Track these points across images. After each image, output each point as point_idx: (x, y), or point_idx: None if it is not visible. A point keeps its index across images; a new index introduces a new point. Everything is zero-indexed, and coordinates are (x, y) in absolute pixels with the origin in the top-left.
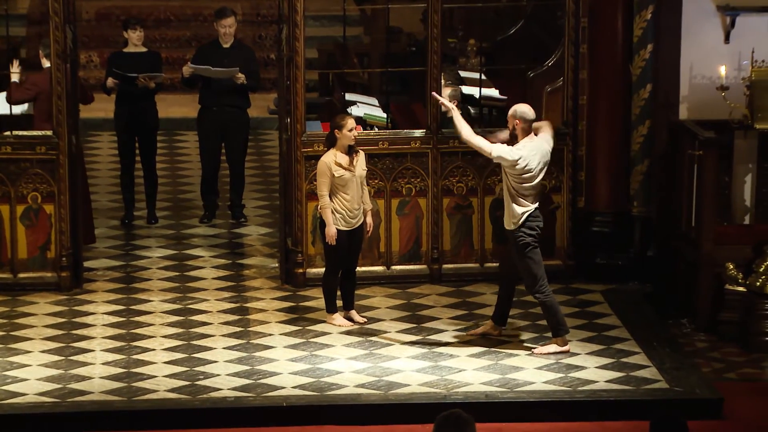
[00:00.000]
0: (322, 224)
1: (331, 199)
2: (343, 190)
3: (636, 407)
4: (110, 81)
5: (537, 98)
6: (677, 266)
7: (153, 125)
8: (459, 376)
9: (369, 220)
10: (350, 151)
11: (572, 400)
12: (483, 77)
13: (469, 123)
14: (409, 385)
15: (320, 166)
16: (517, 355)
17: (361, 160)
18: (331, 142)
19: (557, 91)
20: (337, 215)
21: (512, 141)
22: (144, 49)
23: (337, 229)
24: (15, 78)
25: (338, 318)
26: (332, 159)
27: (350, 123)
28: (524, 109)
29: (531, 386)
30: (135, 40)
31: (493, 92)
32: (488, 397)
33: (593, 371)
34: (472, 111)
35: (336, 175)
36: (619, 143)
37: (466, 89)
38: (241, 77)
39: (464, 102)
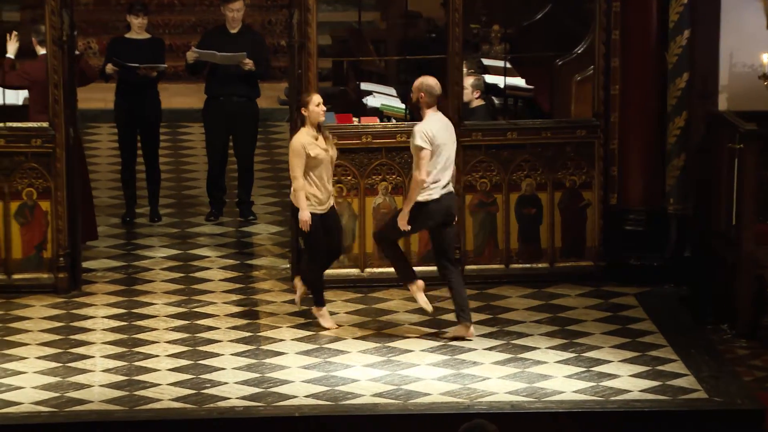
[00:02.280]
0: (295, 211)
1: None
2: (316, 170)
3: (672, 419)
4: (109, 67)
5: (566, 88)
6: (716, 267)
7: (155, 117)
8: (483, 385)
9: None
10: (320, 129)
11: (604, 411)
12: (508, 65)
13: (493, 113)
14: (429, 394)
15: (294, 146)
16: (545, 362)
17: (330, 139)
18: (300, 122)
19: (587, 80)
20: (312, 198)
21: (416, 114)
22: (147, 36)
23: (312, 212)
24: (11, 53)
25: (326, 316)
26: (306, 138)
27: (316, 98)
28: (431, 83)
29: (560, 396)
30: (137, 26)
31: (519, 81)
32: (514, 407)
33: (626, 380)
34: (496, 101)
35: (312, 154)
36: (653, 136)
37: (490, 78)
38: (248, 63)
39: (488, 92)
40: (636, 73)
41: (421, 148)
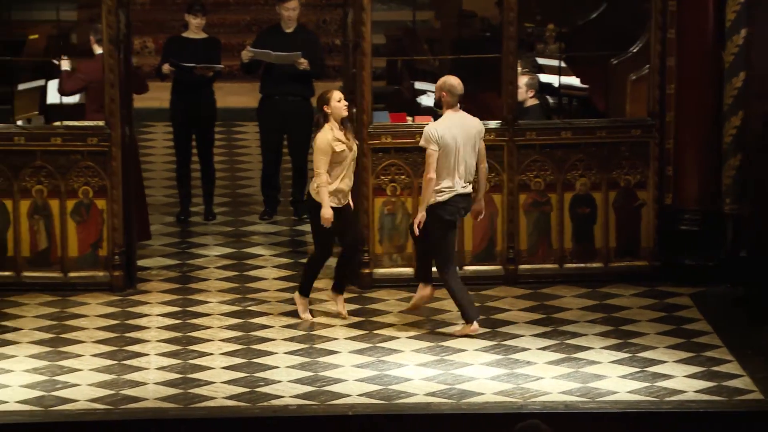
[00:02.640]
0: (313, 204)
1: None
2: (339, 166)
3: (727, 420)
4: (166, 67)
5: (621, 87)
6: None
7: (210, 116)
8: (536, 385)
9: (350, 201)
10: (344, 125)
11: (658, 412)
12: (562, 65)
13: (548, 113)
14: (483, 393)
15: (320, 143)
16: (599, 362)
17: (353, 135)
18: (323, 119)
19: (642, 79)
20: (332, 194)
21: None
22: (203, 35)
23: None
24: (66, 66)
25: (305, 306)
26: (331, 135)
27: (336, 94)
28: (453, 82)
29: (614, 396)
30: (195, 26)
31: (574, 81)
32: (568, 407)
33: (681, 380)
34: (550, 100)
35: (337, 150)
36: (709, 136)
37: (544, 77)
38: (303, 62)
39: (542, 91)
40: (692, 73)
41: (425, 148)
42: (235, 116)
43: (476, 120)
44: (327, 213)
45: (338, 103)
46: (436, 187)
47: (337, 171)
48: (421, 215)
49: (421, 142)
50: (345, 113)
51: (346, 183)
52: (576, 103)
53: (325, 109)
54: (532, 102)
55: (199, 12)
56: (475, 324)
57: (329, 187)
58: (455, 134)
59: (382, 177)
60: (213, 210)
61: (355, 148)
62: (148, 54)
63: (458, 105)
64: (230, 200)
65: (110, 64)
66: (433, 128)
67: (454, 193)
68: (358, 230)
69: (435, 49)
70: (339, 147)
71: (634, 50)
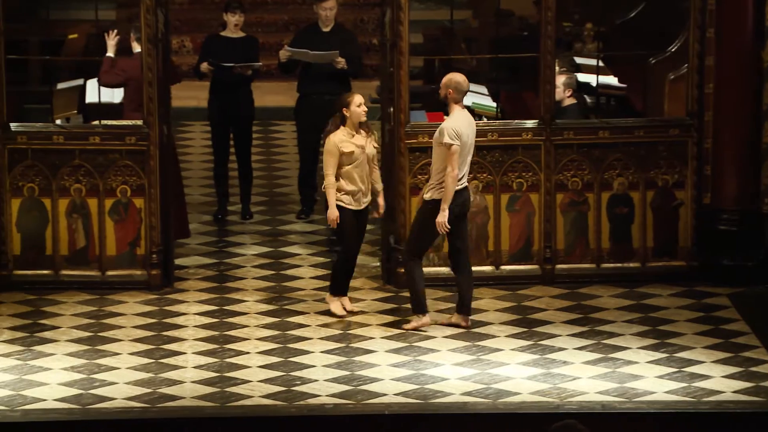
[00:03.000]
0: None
1: (339, 178)
2: (351, 168)
3: (765, 420)
4: (204, 66)
5: (659, 86)
6: None
7: (248, 115)
8: (573, 385)
9: (381, 201)
10: (362, 128)
11: (696, 412)
12: (600, 64)
13: (585, 112)
14: (519, 393)
15: (327, 145)
16: (636, 362)
17: (372, 138)
18: (341, 121)
19: (681, 79)
20: (345, 195)
21: (444, 108)
22: (241, 34)
23: (345, 208)
24: (111, 52)
25: (337, 304)
26: (339, 137)
27: (357, 98)
28: (459, 79)
29: (651, 396)
30: (233, 25)
31: (612, 80)
32: (605, 407)
33: (719, 381)
34: (588, 100)
35: (346, 151)
36: (748, 135)
37: (582, 77)
38: (341, 61)
39: (580, 90)
40: (731, 72)
41: (450, 145)
42: (272, 115)
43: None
44: (332, 214)
45: (358, 107)
46: (439, 182)
47: (352, 172)
48: (446, 214)
49: (445, 140)
50: (363, 118)
51: (360, 185)
52: (614, 102)
53: (344, 111)
54: (569, 101)
55: (237, 10)
56: (427, 317)
57: (346, 188)
58: (466, 130)
59: (419, 176)
60: (250, 209)
61: (370, 149)
62: (186, 53)
63: (462, 102)
64: (267, 199)
65: (148, 63)
66: (452, 125)
67: (461, 186)
68: (361, 240)
69: (472, 48)
70: (347, 148)
71: (673, 49)
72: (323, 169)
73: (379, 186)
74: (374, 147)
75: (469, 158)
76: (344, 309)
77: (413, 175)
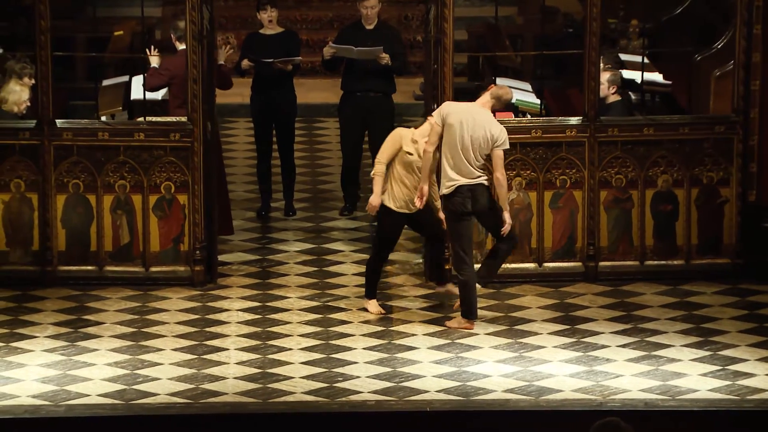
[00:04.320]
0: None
1: (392, 182)
2: (405, 174)
3: None
4: (245, 63)
5: (705, 83)
6: None
7: (291, 112)
8: (616, 382)
9: (441, 216)
10: None
11: (740, 410)
12: (645, 60)
13: (630, 109)
14: (561, 390)
15: (393, 133)
16: (679, 360)
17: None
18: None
19: (727, 75)
20: (393, 198)
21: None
22: (281, 30)
23: (394, 210)
24: (154, 63)
25: (374, 305)
26: (408, 134)
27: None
28: (500, 93)
29: (694, 394)
30: (267, 22)
31: (657, 77)
32: (647, 405)
33: (763, 379)
34: (633, 97)
35: (404, 149)
36: None
37: (627, 73)
38: (385, 57)
39: (624, 87)
40: None
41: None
42: (316, 112)
43: (497, 126)
44: (374, 201)
45: None
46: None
47: (403, 178)
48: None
49: (508, 145)
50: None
51: (411, 194)
52: (658, 99)
53: (429, 118)
54: (614, 98)
55: (267, 5)
56: (471, 322)
57: (397, 193)
58: (466, 126)
59: None
60: (293, 205)
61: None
62: (231, 50)
63: (491, 108)
64: (310, 196)
65: (193, 60)
66: (448, 109)
67: (452, 186)
68: (438, 225)
69: (517, 45)
70: (408, 147)
71: (719, 46)
72: (378, 154)
73: (438, 201)
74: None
75: (466, 157)
76: (450, 293)
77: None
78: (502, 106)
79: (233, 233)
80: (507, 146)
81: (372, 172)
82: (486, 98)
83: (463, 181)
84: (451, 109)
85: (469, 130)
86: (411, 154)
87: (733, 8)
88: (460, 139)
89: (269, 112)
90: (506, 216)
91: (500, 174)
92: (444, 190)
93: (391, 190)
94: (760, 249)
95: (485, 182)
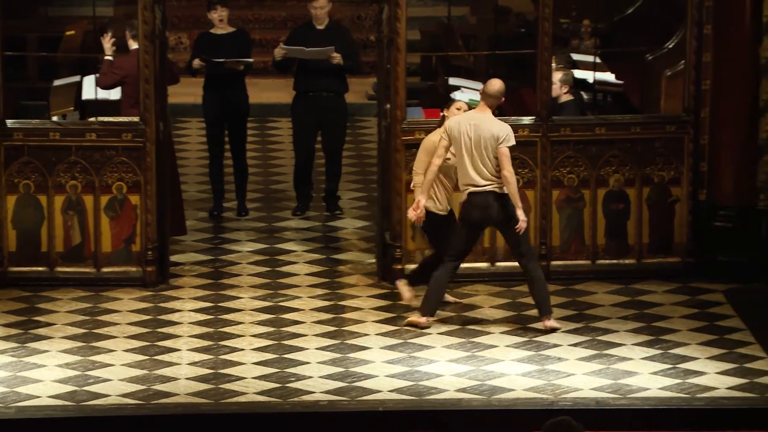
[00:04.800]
0: (427, 215)
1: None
2: (446, 175)
3: (760, 416)
4: (196, 62)
5: (656, 83)
6: None
7: (243, 111)
8: (567, 381)
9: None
10: None
11: (690, 408)
12: (597, 60)
13: (582, 109)
14: (513, 389)
15: (425, 143)
16: (630, 359)
17: None
18: (440, 122)
19: (678, 75)
20: (441, 203)
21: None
22: (232, 29)
23: (439, 214)
24: (109, 54)
25: (411, 295)
26: (439, 136)
27: (458, 103)
28: (486, 84)
29: (645, 392)
30: (218, 21)
31: (609, 77)
32: (599, 403)
33: (713, 377)
34: (585, 96)
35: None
36: (744, 132)
37: (579, 73)
38: (337, 57)
39: (577, 87)
40: (728, 68)
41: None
42: (268, 112)
43: (497, 125)
44: (420, 213)
45: (457, 110)
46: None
47: (449, 179)
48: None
49: (513, 141)
50: None
51: (449, 191)
52: (610, 99)
53: (445, 112)
54: (566, 98)
55: (217, 5)
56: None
57: (438, 194)
58: (465, 132)
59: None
60: (246, 205)
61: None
62: (183, 50)
63: (488, 106)
64: (263, 196)
65: (145, 59)
66: (450, 122)
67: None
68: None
69: (470, 45)
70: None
71: (670, 46)
72: (415, 166)
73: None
74: None
75: (473, 164)
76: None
77: (409, 171)
78: (496, 98)
79: (186, 233)
80: (512, 142)
81: (412, 185)
82: (480, 101)
83: (471, 189)
84: (452, 122)
85: (470, 134)
86: (448, 158)
87: (684, 8)
88: (465, 147)
89: (221, 112)
90: (520, 213)
91: (507, 171)
92: (461, 199)
93: (435, 195)
94: (710, 248)
95: (496, 190)
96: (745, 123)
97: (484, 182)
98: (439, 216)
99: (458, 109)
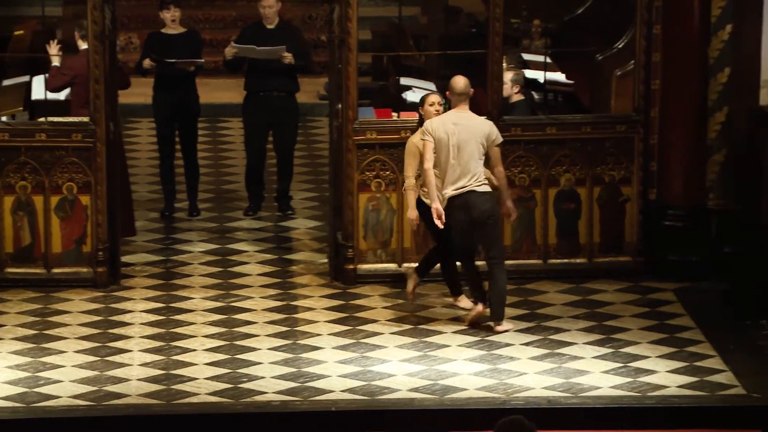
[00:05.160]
0: (426, 209)
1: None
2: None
3: (710, 415)
4: (147, 62)
5: (606, 83)
6: (756, 263)
7: (194, 112)
8: (520, 380)
9: (510, 205)
10: None
11: (641, 407)
12: (548, 60)
13: (533, 108)
14: (466, 389)
15: (408, 145)
16: (582, 358)
17: None
18: (419, 122)
19: (628, 75)
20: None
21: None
22: (183, 30)
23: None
24: (56, 62)
25: (414, 285)
26: (419, 137)
27: (431, 98)
28: (452, 81)
29: (597, 391)
30: (170, 21)
31: (559, 76)
32: (551, 402)
33: (664, 376)
34: (536, 96)
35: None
36: (694, 131)
37: (530, 73)
38: (288, 56)
39: (527, 86)
40: (677, 68)
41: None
42: (219, 112)
43: (486, 124)
44: (411, 214)
45: (430, 107)
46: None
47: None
48: (434, 206)
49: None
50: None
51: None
52: (561, 98)
53: (420, 110)
54: (517, 98)
55: (170, 5)
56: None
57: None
58: (448, 131)
59: (367, 173)
60: (197, 206)
61: None
62: (134, 50)
63: (463, 104)
64: (214, 196)
65: (95, 60)
66: (427, 123)
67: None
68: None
69: (421, 45)
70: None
71: (620, 46)
72: (404, 170)
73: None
74: None
75: (461, 164)
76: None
77: (361, 171)
78: (466, 94)
79: (135, 234)
80: (501, 140)
81: (403, 188)
82: (453, 102)
83: (451, 192)
84: (435, 123)
85: (457, 136)
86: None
87: (634, 8)
88: (452, 148)
89: (172, 112)
90: (510, 204)
91: (502, 168)
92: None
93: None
94: (660, 247)
95: (477, 189)
96: (694, 123)
97: (466, 182)
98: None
99: (431, 105)
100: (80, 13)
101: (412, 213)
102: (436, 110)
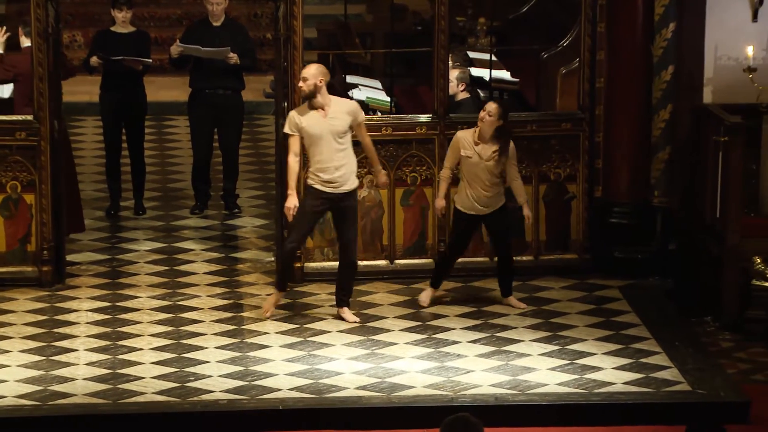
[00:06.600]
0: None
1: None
2: (468, 173)
3: (656, 411)
4: (94, 60)
5: (551, 81)
6: (701, 260)
7: (141, 110)
8: (467, 378)
9: (527, 213)
10: (490, 138)
11: (587, 403)
12: (493, 58)
13: (479, 106)
14: (413, 387)
15: (454, 137)
16: (528, 355)
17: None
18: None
19: (573, 73)
20: (463, 201)
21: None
22: (132, 29)
23: (460, 210)
24: (0, 49)
25: (428, 296)
26: (470, 137)
27: (489, 106)
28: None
29: (543, 388)
30: (121, 20)
31: (504, 74)
32: (498, 399)
33: (610, 372)
34: (481, 94)
35: (462, 154)
36: (638, 129)
37: (476, 71)
38: (233, 57)
39: (473, 84)
40: (621, 66)
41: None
42: (165, 110)
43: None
44: (438, 203)
45: (485, 113)
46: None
47: (467, 176)
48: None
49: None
50: (487, 128)
51: (477, 192)
52: (507, 96)
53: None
54: (463, 96)
55: (123, 5)
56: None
57: (462, 192)
58: (310, 122)
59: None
60: (143, 204)
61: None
62: (78, 47)
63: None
64: (161, 194)
65: (39, 58)
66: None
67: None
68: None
69: (367, 43)
70: (465, 152)
71: (565, 44)
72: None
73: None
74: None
75: (326, 148)
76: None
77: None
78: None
79: (84, 230)
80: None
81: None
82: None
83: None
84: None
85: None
86: (470, 157)
87: (578, 6)
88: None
89: (119, 111)
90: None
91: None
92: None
93: (460, 192)
94: (606, 244)
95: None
96: (639, 120)
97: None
98: (458, 212)
99: (484, 110)
100: (24, 10)
101: (439, 202)
102: (490, 118)
